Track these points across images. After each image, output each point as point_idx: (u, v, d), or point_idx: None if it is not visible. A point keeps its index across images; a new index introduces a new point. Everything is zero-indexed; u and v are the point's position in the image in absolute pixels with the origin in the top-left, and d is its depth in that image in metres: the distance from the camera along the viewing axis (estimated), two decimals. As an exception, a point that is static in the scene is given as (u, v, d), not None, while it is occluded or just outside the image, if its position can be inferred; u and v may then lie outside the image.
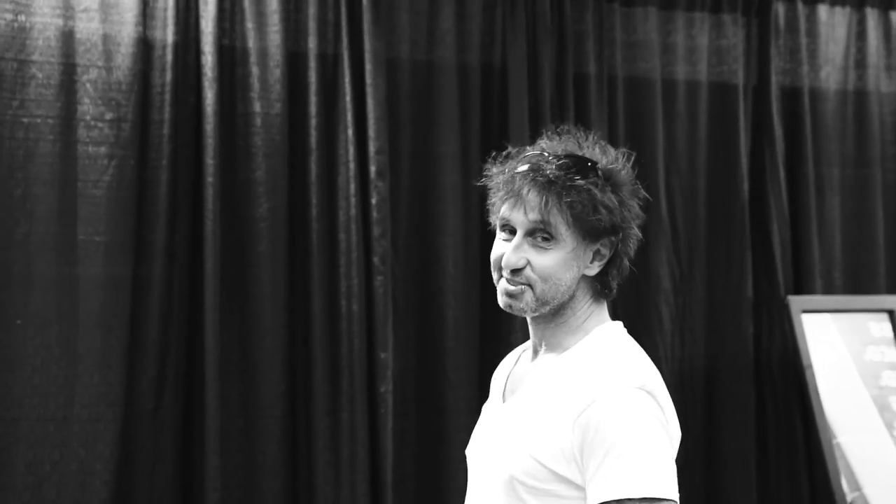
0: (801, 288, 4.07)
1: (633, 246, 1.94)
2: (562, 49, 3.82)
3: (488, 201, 1.95)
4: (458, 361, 3.66)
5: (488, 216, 1.97)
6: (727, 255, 4.05)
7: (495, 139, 3.73)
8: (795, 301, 3.85)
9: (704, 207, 4.05)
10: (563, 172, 1.87)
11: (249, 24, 3.49)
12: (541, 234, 1.89)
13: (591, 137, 1.94)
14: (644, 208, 1.93)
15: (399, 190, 3.65)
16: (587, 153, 1.92)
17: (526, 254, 1.90)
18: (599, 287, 1.94)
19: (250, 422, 3.46)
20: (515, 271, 1.90)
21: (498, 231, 1.94)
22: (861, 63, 4.26)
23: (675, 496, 1.78)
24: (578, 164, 1.89)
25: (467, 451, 2.05)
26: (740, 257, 4.03)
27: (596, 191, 1.87)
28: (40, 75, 3.31)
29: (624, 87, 3.93)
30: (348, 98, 3.54)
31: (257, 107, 3.49)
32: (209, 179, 3.39)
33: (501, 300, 1.92)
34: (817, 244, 4.13)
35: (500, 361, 3.61)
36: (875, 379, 3.91)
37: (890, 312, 4.00)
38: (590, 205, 1.87)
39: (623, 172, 1.92)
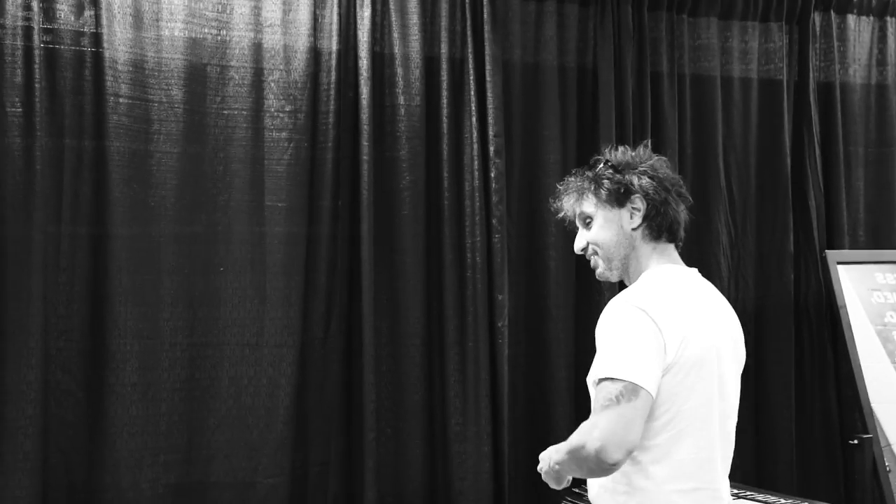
0: (832, 243, 4.07)
1: (661, 196, 2.08)
2: (641, 52, 3.84)
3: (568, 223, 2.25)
4: (558, 300, 3.72)
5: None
6: (773, 216, 4.06)
7: (588, 125, 3.81)
8: (831, 254, 3.87)
9: (755, 179, 4.06)
10: (578, 177, 2.18)
11: (395, 35, 3.56)
12: (584, 219, 2.16)
13: (620, 147, 2.17)
14: (655, 178, 2.10)
15: (512, 165, 3.70)
16: (601, 156, 2.17)
17: (583, 236, 2.17)
18: (652, 231, 2.10)
19: (396, 348, 3.57)
20: (583, 250, 2.18)
21: None
22: (882, 62, 4.25)
23: (634, 379, 1.86)
24: (587, 166, 2.17)
25: None
26: (783, 218, 4.04)
27: (601, 173, 2.11)
28: (236, 77, 3.42)
29: (690, 83, 3.95)
30: (472, 92, 3.60)
31: (401, 100, 3.55)
32: (364, 157, 3.46)
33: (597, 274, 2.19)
34: (846, 208, 4.11)
35: (591, 302, 3.71)
36: (880, 318, 3.90)
37: (896, 263, 4.01)
38: (595, 184, 2.12)
39: (628, 157, 2.13)
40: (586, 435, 1.86)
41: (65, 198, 3.24)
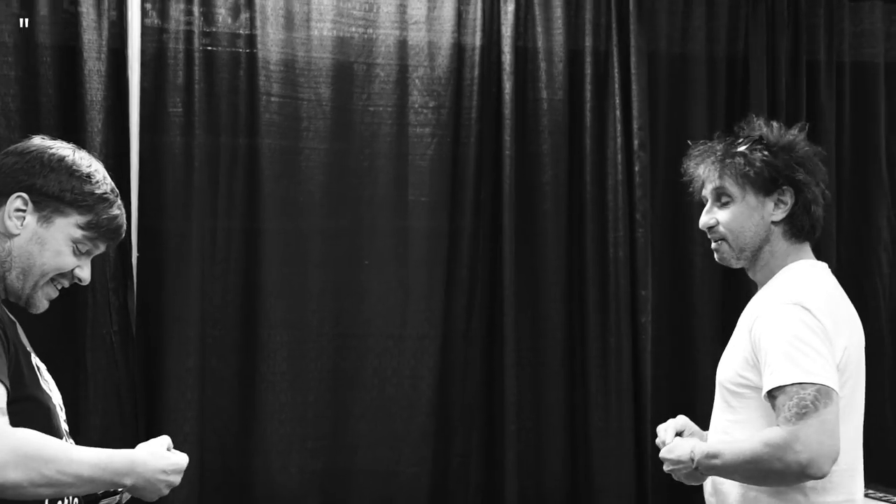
0: None
1: (813, 193, 1.93)
2: (796, 40, 3.66)
3: (692, 187, 2.05)
4: (703, 297, 3.62)
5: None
6: (940, 211, 3.82)
7: (737, 118, 3.55)
8: None
9: (921, 171, 3.87)
10: (726, 146, 1.98)
11: (539, 29, 3.49)
12: (719, 196, 1.98)
13: (773, 123, 1.99)
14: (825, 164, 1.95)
15: (657, 159, 3.61)
16: (755, 132, 1.98)
17: (714, 214, 1.99)
18: (794, 229, 1.96)
19: (537, 342, 3.52)
20: (710, 229, 2.00)
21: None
22: None
23: (825, 381, 1.77)
24: (739, 138, 1.98)
25: None
26: (952, 213, 3.78)
27: (755, 152, 1.93)
28: (382, 74, 3.43)
29: (850, 72, 3.75)
30: (616, 85, 3.52)
31: (544, 94, 3.51)
32: (507, 152, 3.45)
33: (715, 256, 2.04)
34: None
35: (739, 299, 3.58)
36: None
37: None
38: (746, 163, 1.92)
39: (785, 139, 1.95)
40: (783, 448, 1.75)
41: (220, 193, 3.35)
